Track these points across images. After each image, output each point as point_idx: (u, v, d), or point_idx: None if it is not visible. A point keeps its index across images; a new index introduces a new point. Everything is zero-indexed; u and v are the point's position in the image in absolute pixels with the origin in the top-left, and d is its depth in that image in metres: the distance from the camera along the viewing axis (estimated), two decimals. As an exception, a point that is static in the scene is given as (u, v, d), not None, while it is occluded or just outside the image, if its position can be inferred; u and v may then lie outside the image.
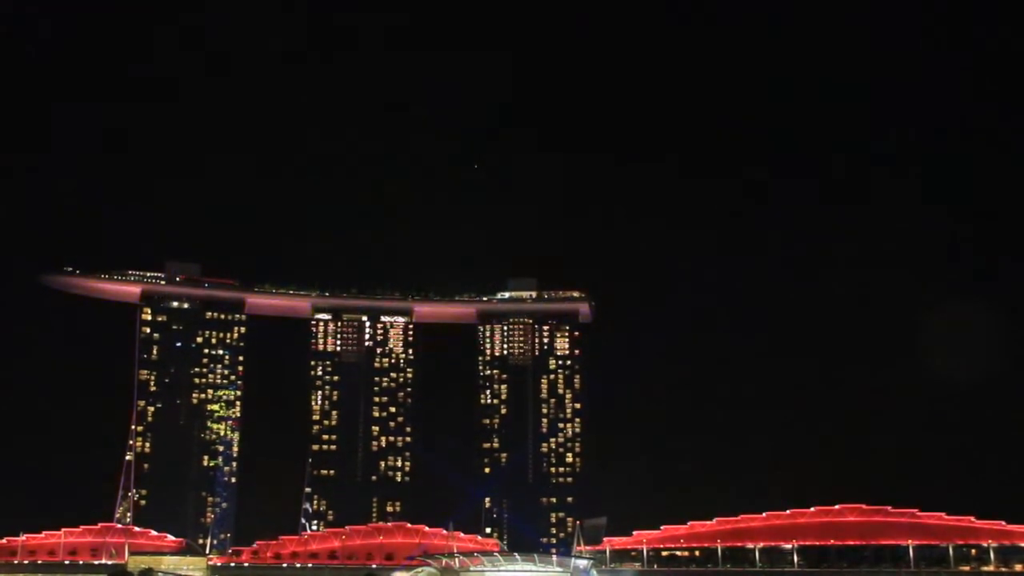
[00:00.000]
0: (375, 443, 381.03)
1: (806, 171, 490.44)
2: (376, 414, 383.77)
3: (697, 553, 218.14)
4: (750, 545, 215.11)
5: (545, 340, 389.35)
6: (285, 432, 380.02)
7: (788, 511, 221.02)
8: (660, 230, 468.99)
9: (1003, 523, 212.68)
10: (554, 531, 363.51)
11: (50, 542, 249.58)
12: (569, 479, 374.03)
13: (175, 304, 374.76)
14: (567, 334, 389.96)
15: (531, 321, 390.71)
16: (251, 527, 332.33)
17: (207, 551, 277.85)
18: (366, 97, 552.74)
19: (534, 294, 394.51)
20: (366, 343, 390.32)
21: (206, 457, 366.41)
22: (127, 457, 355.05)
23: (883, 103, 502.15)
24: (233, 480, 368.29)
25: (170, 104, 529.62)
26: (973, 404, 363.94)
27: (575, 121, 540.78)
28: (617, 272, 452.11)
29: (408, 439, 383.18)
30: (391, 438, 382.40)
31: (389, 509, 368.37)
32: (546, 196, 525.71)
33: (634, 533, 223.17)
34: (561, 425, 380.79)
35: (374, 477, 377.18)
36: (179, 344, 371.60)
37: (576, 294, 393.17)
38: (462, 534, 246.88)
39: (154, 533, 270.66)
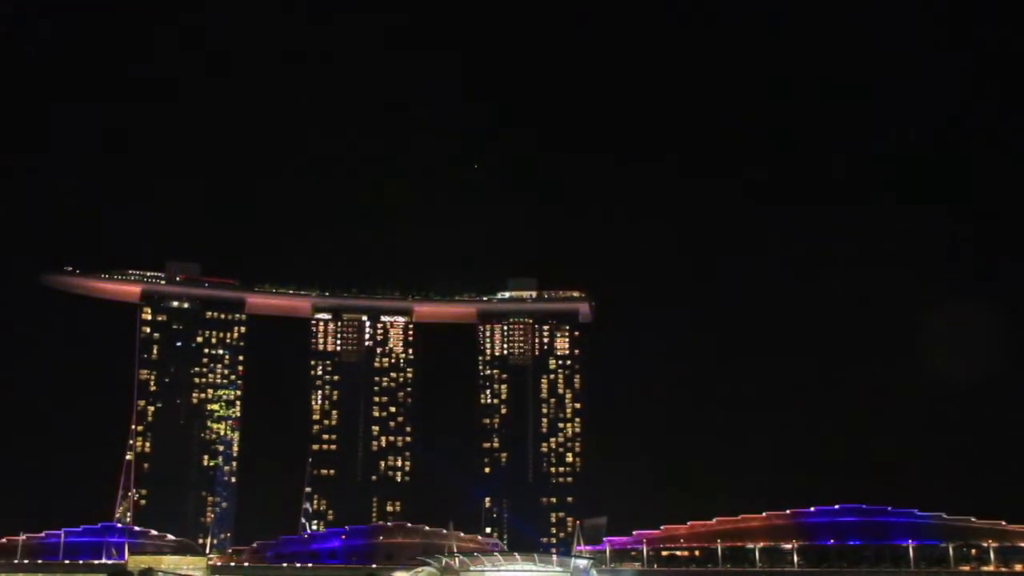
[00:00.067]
0: (375, 443, 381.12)
1: (806, 171, 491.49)
2: (376, 414, 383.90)
3: (697, 553, 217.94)
4: (750, 545, 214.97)
5: (545, 340, 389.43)
6: (285, 432, 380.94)
7: (788, 511, 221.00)
8: (660, 230, 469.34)
9: (1003, 523, 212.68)
10: (554, 531, 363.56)
11: (50, 542, 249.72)
12: (569, 479, 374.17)
13: (175, 304, 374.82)
14: (567, 334, 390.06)
15: (531, 321, 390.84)
16: (251, 527, 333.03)
17: (207, 551, 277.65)
18: (366, 97, 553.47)
19: (534, 294, 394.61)
20: (366, 343, 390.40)
21: (206, 457, 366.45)
22: (127, 457, 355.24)
23: (883, 103, 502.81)
24: (233, 480, 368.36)
25: (170, 104, 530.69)
26: (973, 404, 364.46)
27: (575, 121, 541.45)
28: (617, 272, 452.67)
29: (408, 439, 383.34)
30: (391, 438, 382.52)
31: (389, 509, 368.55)
32: (546, 196, 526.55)
33: (634, 533, 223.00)
34: (561, 425, 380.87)
35: (374, 477, 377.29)
36: (179, 344, 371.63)
37: (576, 294, 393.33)
38: (463, 534, 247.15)
39: (154, 533, 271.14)
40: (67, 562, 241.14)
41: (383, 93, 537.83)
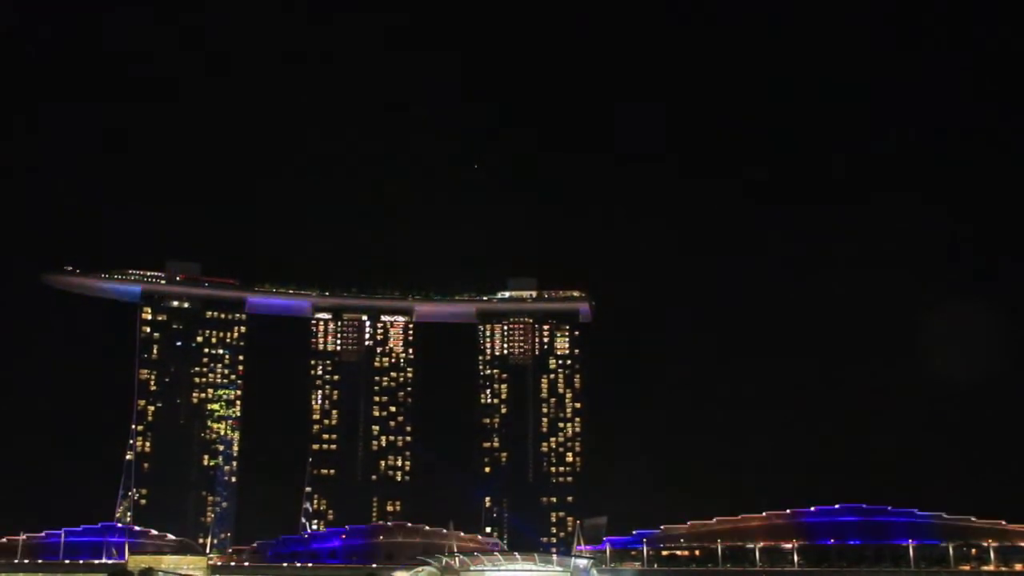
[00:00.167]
0: (375, 443, 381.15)
1: (806, 171, 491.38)
2: (376, 414, 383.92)
3: (697, 553, 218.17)
4: (750, 545, 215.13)
5: (545, 340, 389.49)
6: (285, 432, 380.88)
7: (788, 511, 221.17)
8: (660, 230, 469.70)
9: (1003, 523, 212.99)
10: (554, 531, 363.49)
11: (50, 542, 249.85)
12: (569, 479, 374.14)
13: (175, 304, 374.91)
14: (567, 334, 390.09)
15: (531, 321, 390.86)
16: (251, 527, 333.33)
17: (207, 551, 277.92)
18: (366, 97, 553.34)
19: (534, 294, 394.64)
20: (366, 343, 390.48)
21: (206, 456, 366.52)
22: (127, 457, 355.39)
23: (883, 103, 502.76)
24: (233, 480, 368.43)
25: (170, 104, 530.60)
26: (973, 404, 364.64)
27: (575, 121, 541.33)
28: (617, 272, 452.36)
29: (408, 439, 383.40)
30: (391, 438, 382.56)
31: (389, 509, 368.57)
32: (546, 196, 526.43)
33: (634, 533, 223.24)
34: (561, 425, 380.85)
35: (374, 477, 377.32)
36: (179, 344, 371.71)
37: (576, 294, 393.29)
38: (463, 533, 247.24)
39: (154, 533, 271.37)
40: (67, 562, 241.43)
41: (383, 93, 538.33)
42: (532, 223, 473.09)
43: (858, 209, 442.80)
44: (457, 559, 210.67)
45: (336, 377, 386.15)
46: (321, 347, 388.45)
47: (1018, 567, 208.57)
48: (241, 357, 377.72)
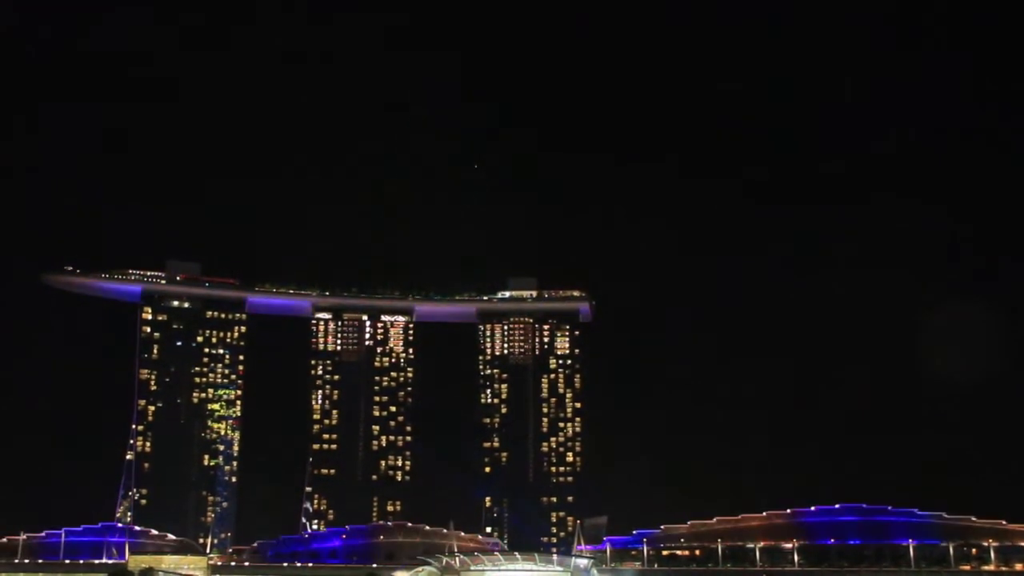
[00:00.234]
0: (375, 443, 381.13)
1: (806, 171, 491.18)
2: (376, 414, 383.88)
3: (697, 552, 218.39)
4: (750, 544, 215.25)
5: (545, 340, 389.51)
6: (285, 432, 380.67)
7: (788, 510, 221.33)
8: (660, 230, 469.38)
9: (1003, 523, 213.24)
10: (554, 531, 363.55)
11: (51, 541, 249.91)
12: (569, 479, 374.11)
13: (175, 304, 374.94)
14: (567, 334, 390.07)
15: (531, 321, 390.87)
16: (251, 527, 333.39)
17: (208, 551, 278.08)
18: (366, 97, 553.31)
19: (534, 294, 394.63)
20: (366, 343, 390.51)
21: (206, 456, 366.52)
22: (127, 457, 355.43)
23: (883, 103, 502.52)
24: (233, 480, 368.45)
25: (170, 104, 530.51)
26: (973, 404, 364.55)
27: (575, 121, 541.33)
28: (617, 272, 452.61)
29: (408, 439, 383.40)
30: (391, 438, 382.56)
31: (389, 509, 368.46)
32: (546, 196, 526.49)
33: (634, 533, 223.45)
34: (561, 425, 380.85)
35: (374, 477, 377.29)
36: (179, 343, 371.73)
37: (576, 294, 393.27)
38: (463, 533, 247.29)
39: (155, 532, 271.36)
40: (68, 562, 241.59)
41: (383, 93, 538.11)
42: (532, 223, 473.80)
43: (858, 209, 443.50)
44: (457, 559, 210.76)
45: (336, 377, 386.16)
46: (321, 347, 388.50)
47: (1018, 567, 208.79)
48: (241, 357, 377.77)
